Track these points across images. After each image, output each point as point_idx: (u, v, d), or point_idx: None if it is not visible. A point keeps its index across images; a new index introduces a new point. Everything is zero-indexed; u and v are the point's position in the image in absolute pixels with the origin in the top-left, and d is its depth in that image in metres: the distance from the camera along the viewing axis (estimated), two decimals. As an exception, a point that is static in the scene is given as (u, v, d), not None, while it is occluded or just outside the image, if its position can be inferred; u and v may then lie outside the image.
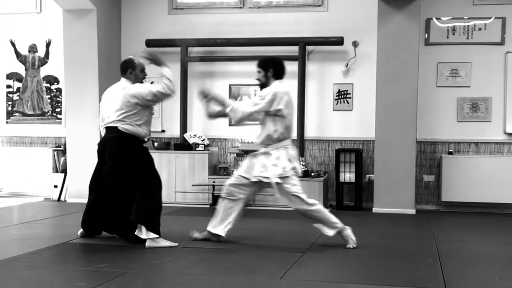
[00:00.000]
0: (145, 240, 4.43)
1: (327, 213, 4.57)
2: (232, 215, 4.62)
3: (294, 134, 7.34)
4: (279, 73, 4.65)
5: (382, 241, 4.98)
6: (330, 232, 4.55)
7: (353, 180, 7.06)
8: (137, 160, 4.59)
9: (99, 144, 4.76)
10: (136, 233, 4.45)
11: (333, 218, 4.57)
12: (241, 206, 4.66)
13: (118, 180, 4.55)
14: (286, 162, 4.48)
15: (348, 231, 4.59)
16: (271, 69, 4.62)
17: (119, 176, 4.54)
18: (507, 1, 7.07)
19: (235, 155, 7.30)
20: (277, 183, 4.46)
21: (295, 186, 4.50)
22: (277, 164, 4.47)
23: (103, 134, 4.78)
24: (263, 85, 4.64)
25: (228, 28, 7.64)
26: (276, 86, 4.57)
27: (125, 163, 4.55)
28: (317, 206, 4.54)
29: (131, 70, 4.71)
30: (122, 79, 4.74)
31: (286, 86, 4.65)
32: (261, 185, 4.64)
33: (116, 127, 4.55)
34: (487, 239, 5.24)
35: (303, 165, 7.12)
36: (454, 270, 3.88)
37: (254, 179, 4.55)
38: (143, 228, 4.43)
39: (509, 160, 6.91)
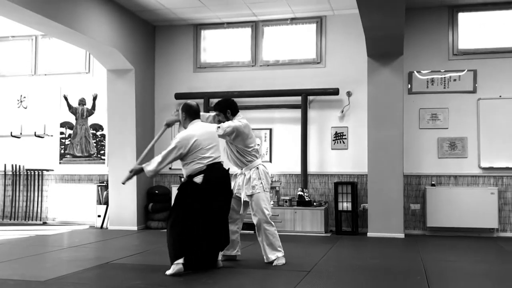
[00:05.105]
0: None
1: (277, 239, 4.55)
2: (236, 235, 4.64)
3: (298, 169, 7.40)
4: (235, 111, 4.60)
5: (377, 261, 4.90)
6: (272, 257, 4.50)
7: (349, 208, 6.99)
8: None
9: (221, 178, 4.29)
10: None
11: (278, 244, 4.55)
12: (240, 224, 4.66)
13: (228, 206, 4.43)
14: (256, 181, 4.49)
15: (283, 260, 4.55)
16: (228, 109, 4.59)
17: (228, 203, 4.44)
18: (477, 57, 7.13)
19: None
20: (250, 198, 4.48)
21: (264, 202, 4.49)
22: (249, 183, 4.49)
23: (204, 167, 4.18)
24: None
25: (243, 83, 7.76)
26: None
27: None
28: (274, 228, 4.54)
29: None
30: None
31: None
32: (243, 202, 4.59)
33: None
34: (467, 259, 5.13)
35: (306, 195, 7.09)
36: (439, 286, 3.79)
37: (236, 196, 4.57)
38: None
39: (484, 191, 6.81)
